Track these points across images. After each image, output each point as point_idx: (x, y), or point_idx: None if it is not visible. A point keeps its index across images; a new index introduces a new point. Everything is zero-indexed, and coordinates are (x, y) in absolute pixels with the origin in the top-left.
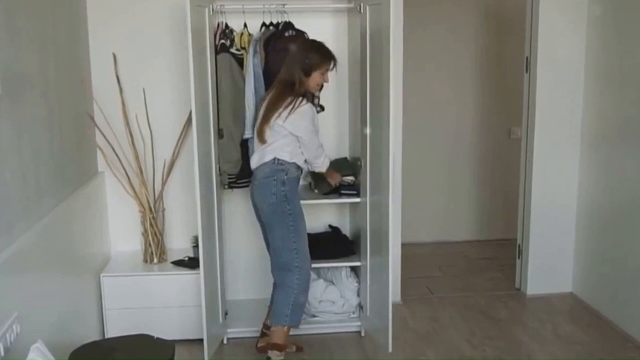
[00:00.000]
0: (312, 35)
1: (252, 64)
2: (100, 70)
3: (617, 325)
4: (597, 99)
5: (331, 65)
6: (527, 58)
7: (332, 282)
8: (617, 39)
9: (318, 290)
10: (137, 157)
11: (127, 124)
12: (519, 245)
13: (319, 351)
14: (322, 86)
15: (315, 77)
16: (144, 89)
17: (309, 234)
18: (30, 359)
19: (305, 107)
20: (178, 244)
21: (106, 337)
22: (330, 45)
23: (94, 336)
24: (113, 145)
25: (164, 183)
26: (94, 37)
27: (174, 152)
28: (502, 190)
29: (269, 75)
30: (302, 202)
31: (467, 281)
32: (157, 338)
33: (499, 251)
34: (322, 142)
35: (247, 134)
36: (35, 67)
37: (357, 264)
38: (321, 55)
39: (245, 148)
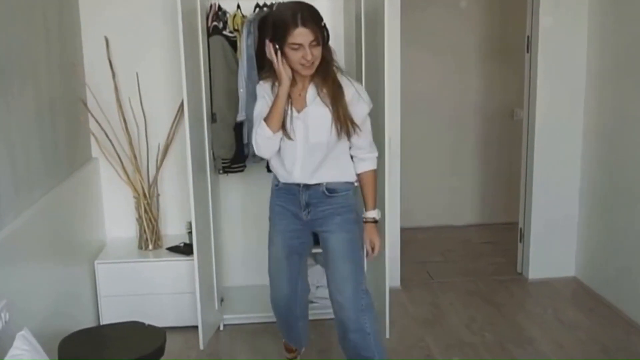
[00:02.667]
0: None
1: (246, 45)
2: (92, 54)
3: (620, 309)
4: (599, 78)
5: (299, 37)
6: (527, 37)
7: None
8: (619, 15)
9: (316, 276)
10: (130, 143)
11: (120, 109)
12: (521, 229)
13: (316, 337)
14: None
15: (287, 55)
16: (137, 73)
17: None
18: (15, 347)
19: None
20: (173, 230)
21: (101, 324)
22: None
23: (89, 323)
24: (106, 131)
25: (158, 168)
26: (86, 21)
27: (168, 137)
28: (505, 173)
29: (262, 57)
30: None
31: (469, 266)
32: (149, 325)
33: (502, 235)
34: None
35: (240, 117)
36: (24, 52)
37: None
38: (278, 31)
39: (238, 132)
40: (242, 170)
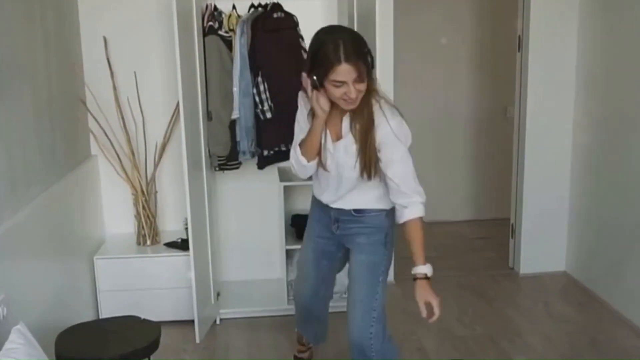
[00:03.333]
0: (300, 17)
1: (239, 45)
2: (91, 54)
3: (609, 303)
4: (589, 76)
5: (342, 75)
6: (519, 37)
7: None
8: (609, 15)
9: None
10: (129, 141)
11: (119, 107)
12: (512, 225)
13: None
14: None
15: (329, 90)
16: (135, 73)
17: (299, 215)
18: (11, 341)
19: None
20: (171, 226)
21: (100, 318)
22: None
23: (89, 317)
24: (105, 129)
25: (156, 166)
26: (85, 21)
27: (165, 135)
28: (498, 169)
29: (255, 57)
30: (294, 183)
31: (461, 261)
32: (144, 319)
33: (495, 231)
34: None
35: (234, 115)
36: (22, 51)
37: None
38: (320, 66)
39: (233, 130)
40: (237, 168)
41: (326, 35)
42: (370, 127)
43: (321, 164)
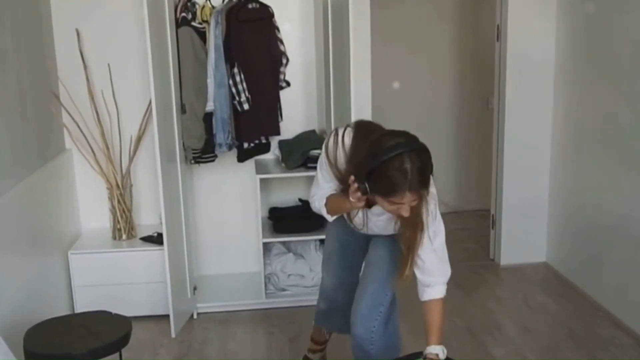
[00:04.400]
0: (275, 7)
1: (214, 36)
2: (64, 47)
3: (588, 294)
4: (568, 65)
5: (401, 199)
6: (497, 26)
7: (302, 256)
8: (588, 2)
9: (287, 264)
10: (103, 134)
11: (92, 100)
12: (493, 216)
13: (288, 324)
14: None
15: (380, 201)
16: (109, 65)
17: (278, 208)
18: None
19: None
20: (147, 220)
21: (74, 313)
22: (295, 17)
23: (64, 312)
24: (78, 123)
25: (131, 159)
26: (57, 13)
27: (140, 128)
28: (480, 161)
29: (229, 48)
30: (270, 175)
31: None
32: (115, 314)
33: (476, 222)
34: (320, 179)
35: (209, 107)
36: None
37: None
38: (380, 185)
39: (208, 122)
40: (213, 161)
41: (392, 150)
42: (417, 234)
43: (349, 221)
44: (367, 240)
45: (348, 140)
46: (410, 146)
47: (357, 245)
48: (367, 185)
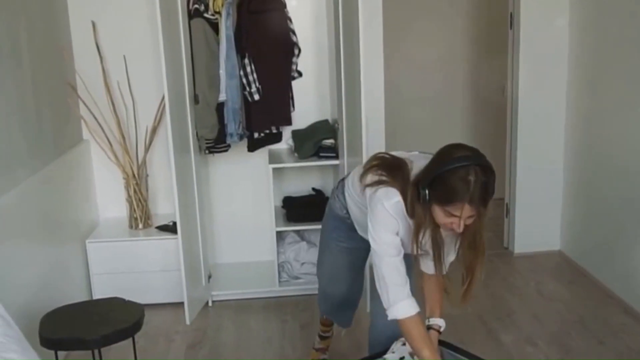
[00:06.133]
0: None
1: (225, 27)
2: (80, 39)
3: (600, 281)
4: (582, 53)
5: (459, 211)
6: (510, 14)
7: (315, 244)
8: None
9: (301, 252)
10: (119, 125)
11: (109, 92)
12: (507, 204)
13: (301, 312)
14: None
15: (436, 212)
16: (124, 57)
17: (291, 197)
18: None
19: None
20: (164, 209)
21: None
22: (308, 7)
23: (82, 300)
24: (95, 114)
25: (146, 150)
26: (73, 6)
27: (155, 119)
28: (496, 148)
29: (241, 39)
30: (283, 165)
31: None
32: (128, 301)
33: (492, 210)
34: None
35: (222, 98)
36: (3, 36)
37: None
38: (441, 192)
39: (221, 113)
40: (226, 150)
41: (460, 161)
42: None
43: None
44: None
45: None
46: (478, 161)
47: (363, 248)
48: (427, 193)
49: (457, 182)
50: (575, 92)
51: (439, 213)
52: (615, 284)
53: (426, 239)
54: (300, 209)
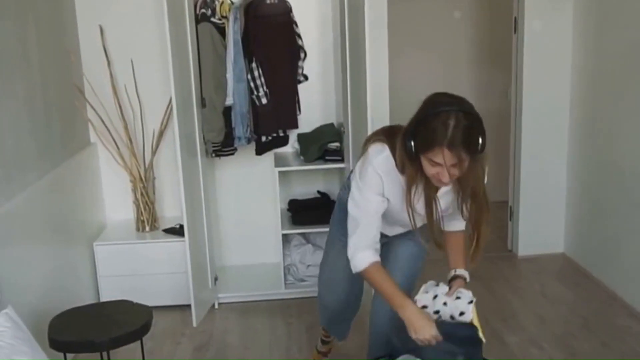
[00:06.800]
0: (294, 2)
1: (232, 31)
2: (88, 42)
3: (604, 284)
4: (585, 56)
5: (440, 158)
6: (514, 18)
7: (321, 247)
8: None
9: (306, 255)
10: (126, 128)
11: (116, 95)
12: (510, 207)
13: (306, 314)
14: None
15: (424, 164)
16: (132, 60)
17: (297, 200)
18: None
19: (371, 154)
20: (170, 212)
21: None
22: (313, 13)
23: (89, 301)
24: (102, 117)
25: (153, 153)
26: (81, 10)
27: (162, 122)
28: (499, 151)
29: (247, 43)
30: (289, 168)
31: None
32: (136, 303)
33: (495, 213)
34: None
35: (228, 102)
36: (12, 39)
37: None
38: (422, 139)
39: (227, 116)
40: (232, 154)
41: (441, 106)
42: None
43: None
44: None
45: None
46: (461, 107)
47: None
48: (412, 144)
49: (436, 125)
50: (579, 95)
51: (425, 165)
52: (619, 286)
53: (419, 196)
54: (306, 212)
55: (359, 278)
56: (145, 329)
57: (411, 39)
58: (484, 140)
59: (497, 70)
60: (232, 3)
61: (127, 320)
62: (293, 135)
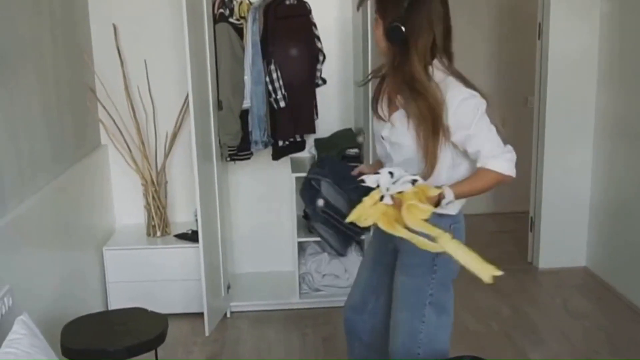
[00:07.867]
0: (313, 3)
1: (251, 32)
2: (101, 42)
3: (628, 298)
4: (611, 65)
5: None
6: (539, 24)
7: (336, 256)
8: (630, 1)
9: (322, 264)
10: (138, 130)
11: (129, 96)
12: (531, 218)
13: (322, 325)
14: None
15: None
16: (145, 61)
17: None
18: (14, 331)
19: None
20: (182, 217)
21: (109, 309)
22: (333, 14)
23: (98, 308)
24: (114, 118)
25: (166, 156)
26: (94, 9)
27: (175, 125)
28: (518, 160)
29: (266, 45)
30: (301, 174)
31: (480, 254)
32: (151, 311)
33: (515, 224)
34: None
35: (246, 104)
36: (28, 39)
37: (362, 237)
38: None
39: (244, 120)
40: (248, 158)
41: None
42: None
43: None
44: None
45: None
46: None
47: (389, 261)
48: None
49: None
50: (605, 104)
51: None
52: None
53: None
54: None
55: (378, 281)
56: (160, 338)
57: None
58: (398, 26)
59: (517, 78)
60: (251, 3)
61: (142, 329)
62: (310, 140)
